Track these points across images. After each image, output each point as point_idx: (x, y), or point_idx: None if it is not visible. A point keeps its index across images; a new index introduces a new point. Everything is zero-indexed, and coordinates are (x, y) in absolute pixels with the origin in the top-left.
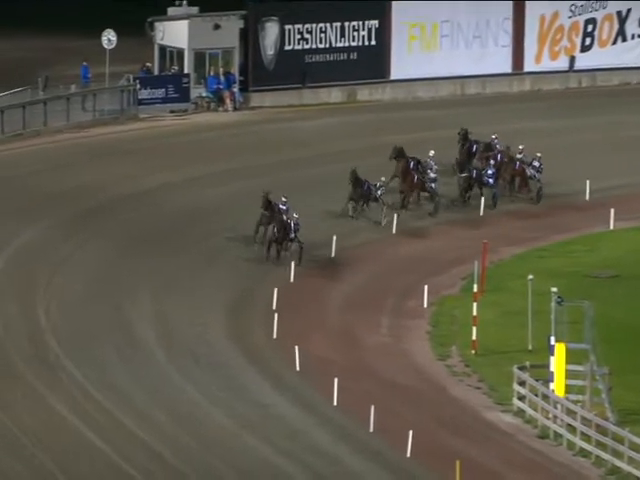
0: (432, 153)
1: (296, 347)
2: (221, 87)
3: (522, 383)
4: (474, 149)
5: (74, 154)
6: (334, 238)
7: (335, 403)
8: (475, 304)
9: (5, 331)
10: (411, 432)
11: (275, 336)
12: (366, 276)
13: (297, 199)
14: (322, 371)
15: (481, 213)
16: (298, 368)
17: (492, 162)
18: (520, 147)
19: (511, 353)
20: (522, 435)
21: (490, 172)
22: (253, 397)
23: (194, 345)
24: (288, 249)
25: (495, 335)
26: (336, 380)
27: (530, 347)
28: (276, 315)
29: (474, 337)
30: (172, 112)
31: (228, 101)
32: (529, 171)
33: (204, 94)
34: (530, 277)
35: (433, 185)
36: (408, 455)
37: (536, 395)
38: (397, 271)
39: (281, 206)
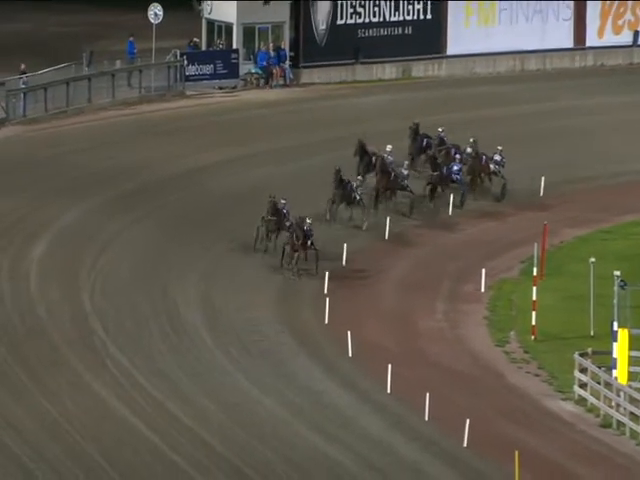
0: (389, 148)
1: (348, 332)
2: (271, 63)
3: (584, 370)
4: (424, 144)
5: (119, 132)
6: (387, 219)
7: (389, 390)
8: (535, 288)
9: (48, 315)
10: (468, 421)
11: (327, 321)
12: (421, 259)
13: (351, 179)
14: (375, 357)
15: (450, 213)
16: (350, 354)
17: (458, 157)
18: (499, 148)
19: (572, 339)
20: (583, 424)
21: (456, 168)
22: (304, 384)
23: (242, 330)
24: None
25: (555, 320)
26: (390, 366)
27: (592, 333)
28: (327, 299)
29: (533, 322)
30: (220, 89)
31: (278, 77)
32: (492, 166)
33: (253, 70)
34: (592, 260)
35: (406, 182)
36: (465, 445)
37: (598, 383)
38: (454, 254)
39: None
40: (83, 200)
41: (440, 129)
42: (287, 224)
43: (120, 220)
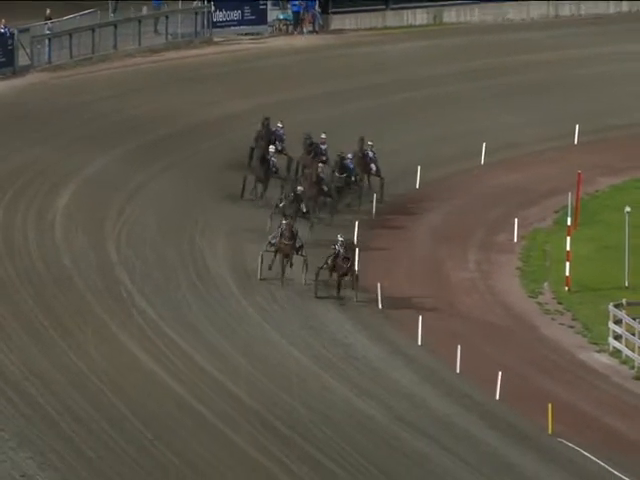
0: (324, 136)
1: (378, 284)
2: (300, 9)
3: (618, 321)
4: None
5: (145, 79)
6: (419, 168)
7: (420, 342)
8: (569, 238)
9: (74, 265)
10: (500, 373)
11: (356, 272)
12: (453, 209)
13: (383, 126)
14: (406, 309)
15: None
16: (380, 306)
17: (350, 156)
18: (370, 143)
19: (607, 290)
20: (618, 377)
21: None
22: (334, 336)
23: (271, 283)
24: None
25: (590, 271)
26: (420, 318)
27: (627, 283)
28: (357, 250)
29: (567, 273)
30: (248, 35)
31: (307, 24)
32: (372, 166)
33: (282, 16)
34: (627, 209)
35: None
36: (497, 398)
37: (633, 334)
38: (486, 204)
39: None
40: (108, 149)
41: (323, 136)
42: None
43: (147, 169)
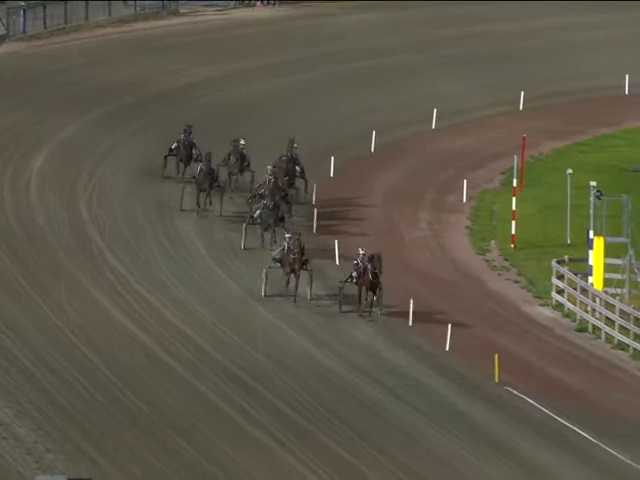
0: (243, 142)
1: (335, 241)
2: None
3: (561, 277)
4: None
5: (115, 49)
6: (373, 133)
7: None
8: (514, 199)
9: (48, 223)
10: (450, 326)
11: (315, 230)
12: (405, 172)
13: (339, 94)
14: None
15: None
16: (338, 262)
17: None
18: (295, 145)
19: (550, 247)
20: (561, 329)
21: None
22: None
23: (235, 239)
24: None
25: (534, 229)
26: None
27: (569, 241)
28: (315, 210)
29: (513, 231)
30: (213, 7)
31: None
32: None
33: None
34: (569, 171)
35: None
36: (447, 349)
37: (575, 289)
38: (436, 166)
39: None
40: (80, 114)
41: (242, 142)
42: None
43: (117, 134)
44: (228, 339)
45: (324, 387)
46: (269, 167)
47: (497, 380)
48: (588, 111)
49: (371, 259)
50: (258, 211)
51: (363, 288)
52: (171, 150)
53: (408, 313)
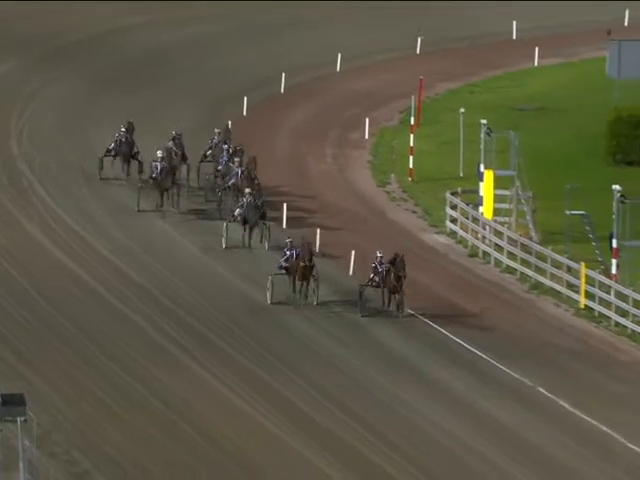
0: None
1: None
2: None
3: (454, 207)
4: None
5: None
6: (283, 75)
7: (284, 226)
8: (412, 135)
9: None
10: (353, 252)
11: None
12: (312, 111)
13: (252, 40)
14: (272, 196)
15: None
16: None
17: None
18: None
19: (444, 180)
20: (454, 254)
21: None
22: (213, 226)
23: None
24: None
25: (430, 164)
26: (285, 205)
27: (462, 174)
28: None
29: (411, 166)
30: None
31: None
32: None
33: None
34: (462, 110)
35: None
36: (351, 273)
37: (467, 218)
38: (341, 106)
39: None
40: (10, 57)
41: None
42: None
43: (45, 76)
44: (151, 266)
45: (246, 315)
46: (236, 159)
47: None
48: (479, 55)
49: (393, 261)
50: (238, 209)
51: (385, 290)
52: (109, 150)
53: (315, 241)
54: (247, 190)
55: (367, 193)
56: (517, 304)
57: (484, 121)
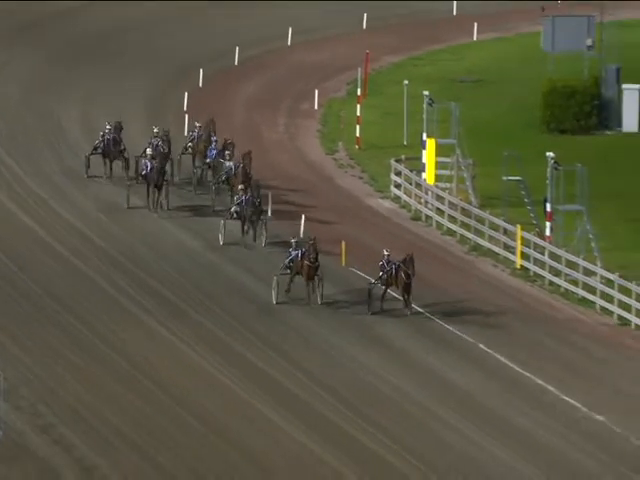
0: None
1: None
2: None
3: (398, 173)
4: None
5: None
6: (237, 49)
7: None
8: (358, 106)
9: None
10: (303, 216)
11: (186, 134)
12: (265, 82)
13: (206, 16)
14: None
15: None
16: (208, 160)
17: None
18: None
19: (389, 148)
20: (398, 218)
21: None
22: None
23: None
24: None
25: (375, 133)
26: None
27: (405, 142)
28: (187, 116)
29: (358, 134)
30: None
31: None
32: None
33: None
34: (405, 82)
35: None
36: (301, 235)
37: (410, 184)
38: (291, 78)
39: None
40: None
41: (156, 129)
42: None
43: (7, 51)
44: (110, 229)
45: (197, 271)
46: (227, 152)
47: (344, 263)
48: (421, 30)
49: (404, 261)
50: (235, 206)
51: (392, 288)
52: (95, 148)
53: (268, 205)
54: (240, 186)
55: (316, 160)
56: (457, 265)
57: (426, 92)
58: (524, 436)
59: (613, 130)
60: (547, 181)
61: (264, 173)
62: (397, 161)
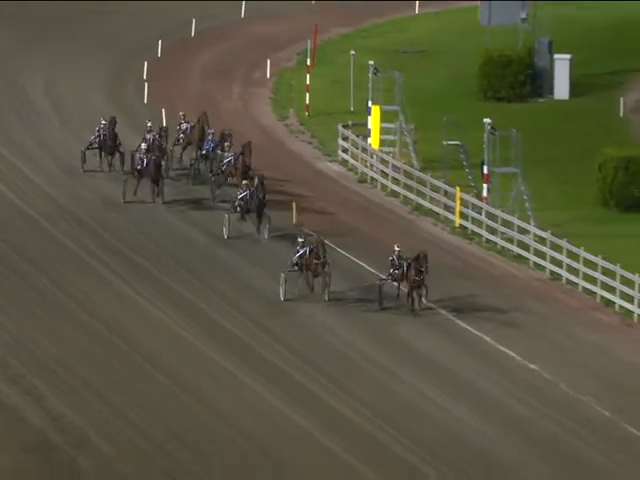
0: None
1: (163, 110)
2: None
3: (345, 138)
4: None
5: None
6: (193, 21)
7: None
8: (308, 75)
9: None
10: (258, 176)
11: (146, 101)
12: (220, 52)
13: None
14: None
15: None
16: (165, 123)
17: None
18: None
19: (337, 114)
20: (346, 181)
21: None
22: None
23: (80, 110)
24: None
25: (324, 100)
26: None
27: (352, 109)
28: (146, 84)
29: (307, 102)
30: None
31: None
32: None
33: None
34: (352, 53)
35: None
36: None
37: (356, 148)
38: (245, 49)
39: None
40: None
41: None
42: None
43: None
44: (77, 193)
45: (166, 236)
46: (226, 144)
47: (295, 222)
48: (368, 5)
49: (416, 258)
50: (239, 200)
51: (403, 284)
52: (91, 144)
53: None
54: (244, 182)
55: (269, 126)
56: (401, 224)
57: (372, 62)
58: (460, 382)
59: (545, 98)
60: (484, 145)
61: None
62: (344, 127)
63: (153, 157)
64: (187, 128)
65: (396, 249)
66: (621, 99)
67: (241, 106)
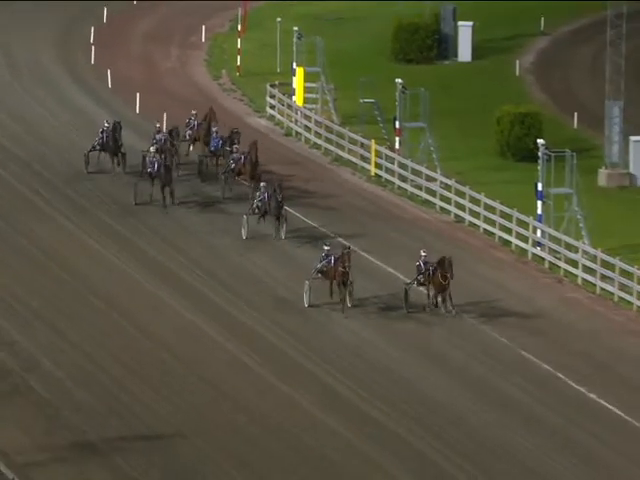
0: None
1: (108, 70)
2: None
3: (273, 96)
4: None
5: None
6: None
7: (137, 111)
8: (239, 39)
9: None
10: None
11: (93, 62)
12: (159, 18)
13: None
14: (128, 88)
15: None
16: (110, 86)
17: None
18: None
19: (265, 75)
20: (274, 134)
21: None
22: (76, 106)
23: (32, 67)
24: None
25: (254, 62)
26: (138, 94)
27: (279, 70)
28: (93, 47)
29: (238, 63)
30: None
31: None
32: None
33: None
34: (279, 20)
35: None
36: (188, 155)
37: (283, 105)
38: (182, 14)
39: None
40: None
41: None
42: None
43: None
44: (26, 141)
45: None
46: (235, 146)
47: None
48: None
49: (441, 263)
50: (257, 202)
51: (430, 287)
52: (94, 146)
53: (163, 123)
54: (263, 183)
55: (204, 85)
56: (322, 173)
57: (296, 28)
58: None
59: (450, 60)
60: (396, 103)
61: (159, 97)
62: (272, 86)
63: (163, 160)
64: (194, 125)
65: (422, 254)
66: (517, 61)
67: (179, 67)
